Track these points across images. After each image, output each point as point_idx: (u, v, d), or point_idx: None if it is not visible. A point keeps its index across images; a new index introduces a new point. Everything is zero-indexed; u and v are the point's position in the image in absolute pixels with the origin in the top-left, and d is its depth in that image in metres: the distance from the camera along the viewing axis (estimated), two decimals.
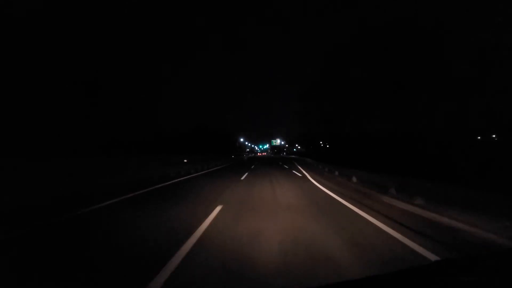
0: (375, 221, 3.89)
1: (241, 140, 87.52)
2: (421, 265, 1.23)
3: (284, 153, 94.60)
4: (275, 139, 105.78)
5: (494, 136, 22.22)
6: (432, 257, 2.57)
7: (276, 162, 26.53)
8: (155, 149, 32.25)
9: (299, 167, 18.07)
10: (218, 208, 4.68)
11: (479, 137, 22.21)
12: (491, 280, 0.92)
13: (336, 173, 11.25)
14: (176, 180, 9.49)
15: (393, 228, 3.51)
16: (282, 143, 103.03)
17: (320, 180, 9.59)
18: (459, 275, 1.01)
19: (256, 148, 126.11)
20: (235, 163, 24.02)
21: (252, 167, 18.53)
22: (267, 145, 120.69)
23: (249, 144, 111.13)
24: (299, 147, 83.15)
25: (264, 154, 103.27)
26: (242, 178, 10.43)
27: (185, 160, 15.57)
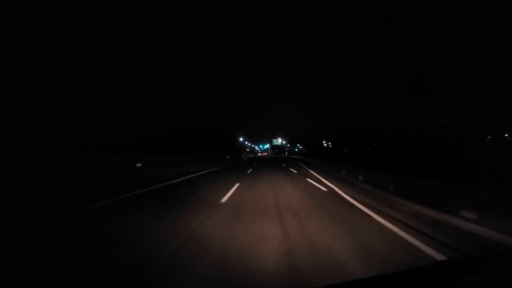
0: None
1: (241, 139, 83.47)
2: (424, 265, 1.09)
3: (286, 153, 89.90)
4: (276, 138, 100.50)
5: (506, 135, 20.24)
6: None
7: (279, 164, 21.76)
8: (136, 150, 29.98)
9: (312, 172, 13.26)
10: None
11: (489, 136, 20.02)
12: (494, 281, 0.91)
13: (393, 193, 6.46)
14: None
15: None
16: (284, 142, 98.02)
17: (371, 205, 4.83)
18: (462, 275, 0.99)
19: (256, 148, 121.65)
20: (228, 166, 19.26)
21: (249, 171, 13.76)
22: (268, 145, 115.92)
23: (249, 144, 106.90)
24: (300, 147, 79.56)
25: (264, 154, 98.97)
26: (223, 200, 5.64)
27: (138, 164, 10.73)
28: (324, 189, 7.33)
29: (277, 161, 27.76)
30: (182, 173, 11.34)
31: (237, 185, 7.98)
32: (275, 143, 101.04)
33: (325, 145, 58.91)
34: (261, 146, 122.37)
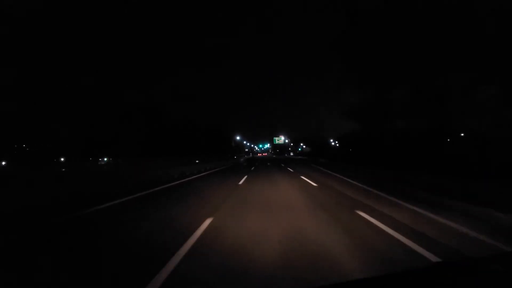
0: None
1: (238, 138, 74.18)
2: (421, 267, 1.13)
3: (291, 153, 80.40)
4: (278, 136, 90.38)
5: None
6: None
7: (296, 176, 11.68)
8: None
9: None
10: None
11: None
12: (493, 283, 0.91)
13: None
14: None
15: None
16: (286, 141, 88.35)
17: None
18: (461, 277, 0.99)
19: (256, 148, 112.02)
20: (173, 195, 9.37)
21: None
22: (268, 144, 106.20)
23: (248, 144, 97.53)
24: (304, 146, 73.34)
25: (265, 155, 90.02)
26: None
27: None
28: None
29: (286, 168, 17.76)
30: None
31: None
32: (277, 142, 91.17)
33: (332, 144, 50.44)
34: (260, 146, 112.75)
